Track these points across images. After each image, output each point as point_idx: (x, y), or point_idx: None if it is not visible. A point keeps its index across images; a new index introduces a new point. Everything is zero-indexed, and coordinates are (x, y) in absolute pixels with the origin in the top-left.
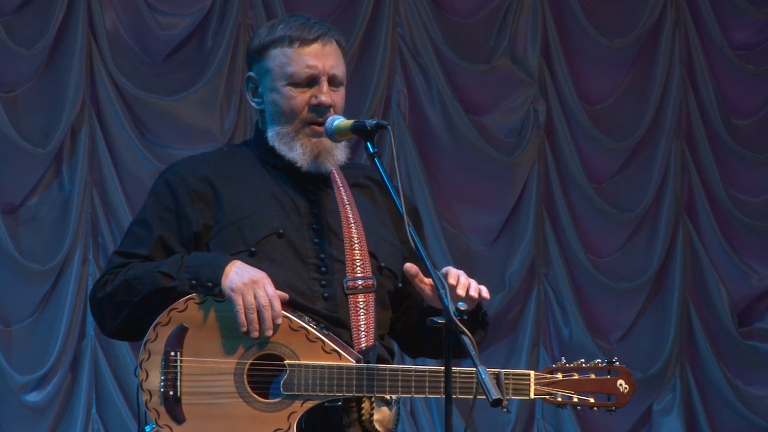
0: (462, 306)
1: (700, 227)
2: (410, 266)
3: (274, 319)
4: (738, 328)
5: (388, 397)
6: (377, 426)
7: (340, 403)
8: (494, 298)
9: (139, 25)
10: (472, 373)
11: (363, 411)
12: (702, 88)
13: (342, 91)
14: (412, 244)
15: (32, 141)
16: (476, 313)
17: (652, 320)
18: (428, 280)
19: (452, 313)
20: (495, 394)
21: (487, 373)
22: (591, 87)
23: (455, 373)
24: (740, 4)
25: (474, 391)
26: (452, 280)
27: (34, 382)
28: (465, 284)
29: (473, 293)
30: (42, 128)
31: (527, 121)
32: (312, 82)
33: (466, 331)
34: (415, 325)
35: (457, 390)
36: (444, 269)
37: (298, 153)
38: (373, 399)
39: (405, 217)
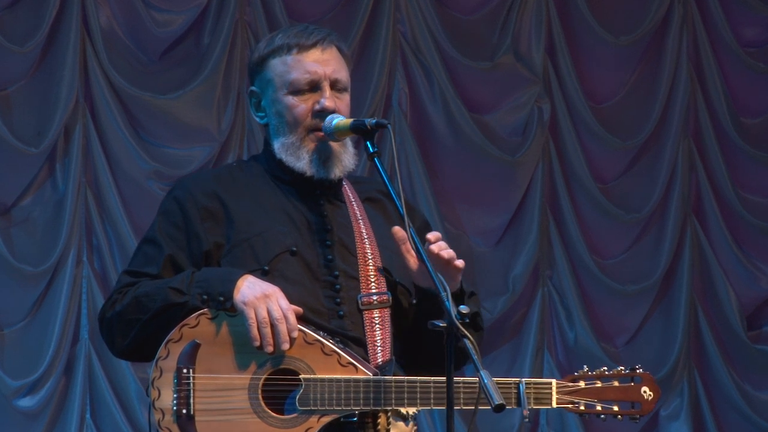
0: (464, 309)
1: (708, 229)
2: (398, 229)
3: (289, 333)
4: (747, 331)
5: (404, 412)
6: None
7: (355, 418)
8: (497, 301)
9: (134, 21)
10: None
11: (379, 426)
12: (710, 86)
13: (346, 97)
14: (413, 245)
15: (25, 140)
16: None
17: (659, 324)
18: (414, 253)
19: (454, 317)
20: (498, 400)
21: (489, 377)
22: (596, 85)
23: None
24: (749, 0)
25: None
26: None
27: (26, 387)
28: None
29: (444, 254)
30: (35, 127)
31: (531, 119)
32: (314, 87)
33: (468, 334)
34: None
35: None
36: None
37: (305, 161)
38: (389, 414)
39: (405, 218)
